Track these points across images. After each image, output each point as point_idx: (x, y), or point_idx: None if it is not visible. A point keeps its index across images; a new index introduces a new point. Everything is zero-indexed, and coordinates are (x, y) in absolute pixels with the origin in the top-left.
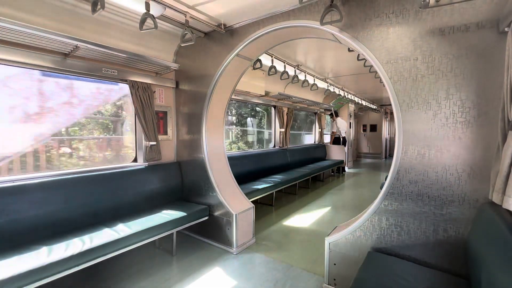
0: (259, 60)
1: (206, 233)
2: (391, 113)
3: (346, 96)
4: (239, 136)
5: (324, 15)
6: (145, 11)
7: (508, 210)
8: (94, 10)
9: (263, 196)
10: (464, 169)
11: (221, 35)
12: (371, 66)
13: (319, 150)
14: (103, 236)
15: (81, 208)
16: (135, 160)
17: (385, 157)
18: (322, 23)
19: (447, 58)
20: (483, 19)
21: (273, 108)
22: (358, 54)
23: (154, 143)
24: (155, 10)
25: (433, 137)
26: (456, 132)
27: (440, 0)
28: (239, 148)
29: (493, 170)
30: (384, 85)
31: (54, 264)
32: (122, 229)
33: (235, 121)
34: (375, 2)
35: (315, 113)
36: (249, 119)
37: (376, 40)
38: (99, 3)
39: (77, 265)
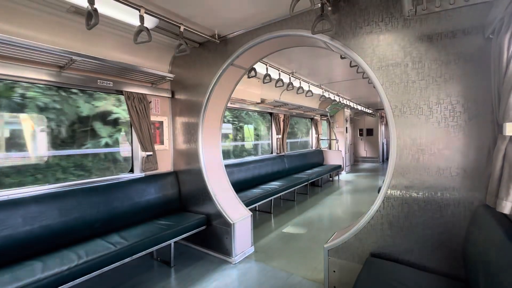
0: (254, 69)
1: (204, 243)
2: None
3: (341, 102)
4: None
5: (315, 24)
6: (139, 23)
7: (502, 213)
8: (88, 24)
9: (261, 204)
10: (458, 172)
11: (215, 45)
12: (364, 72)
13: (316, 156)
14: (99, 249)
15: (77, 221)
16: (131, 170)
17: (382, 161)
18: (314, 32)
19: (436, 64)
20: (468, 26)
21: (269, 115)
22: (351, 61)
23: (151, 153)
24: (149, 22)
25: (426, 141)
26: (448, 136)
27: (426, 8)
28: None
29: (486, 173)
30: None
31: (49, 280)
32: (118, 242)
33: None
34: (365, 10)
35: (311, 119)
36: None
37: (367, 48)
38: (93, 18)
39: (73, 280)
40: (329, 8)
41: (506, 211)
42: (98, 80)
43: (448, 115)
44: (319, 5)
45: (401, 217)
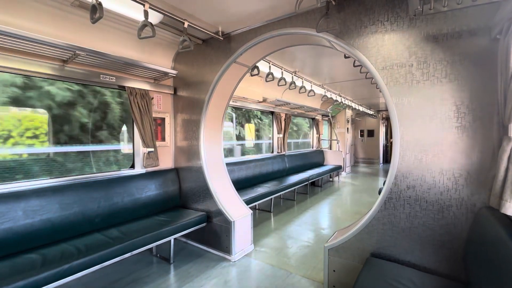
0: (257, 67)
1: (204, 240)
2: (388, 119)
3: (343, 102)
4: None
5: (320, 22)
6: (143, 19)
7: (505, 214)
8: (92, 18)
9: (261, 202)
10: (461, 173)
11: (219, 42)
12: (367, 72)
13: (317, 156)
14: (99, 244)
15: (77, 215)
16: (132, 166)
17: (383, 163)
18: (318, 31)
19: (442, 64)
20: (475, 27)
21: (270, 114)
22: (354, 61)
23: (152, 149)
24: (154, 18)
25: (430, 142)
26: (452, 137)
27: (433, 8)
28: None
29: (490, 175)
30: (380, 91)
31: (49, 273)
32: (118, 237)
33: None
34: (370, 10)
35: (313, 119)
36: None
37: (372, 47)
38: (97, 12)
39: (72, 274)
40: (334, 3)
41: (510, 212)
42: (101, 75)
43: (452, 116)
44: (325, 3)
45: (403, 218)
